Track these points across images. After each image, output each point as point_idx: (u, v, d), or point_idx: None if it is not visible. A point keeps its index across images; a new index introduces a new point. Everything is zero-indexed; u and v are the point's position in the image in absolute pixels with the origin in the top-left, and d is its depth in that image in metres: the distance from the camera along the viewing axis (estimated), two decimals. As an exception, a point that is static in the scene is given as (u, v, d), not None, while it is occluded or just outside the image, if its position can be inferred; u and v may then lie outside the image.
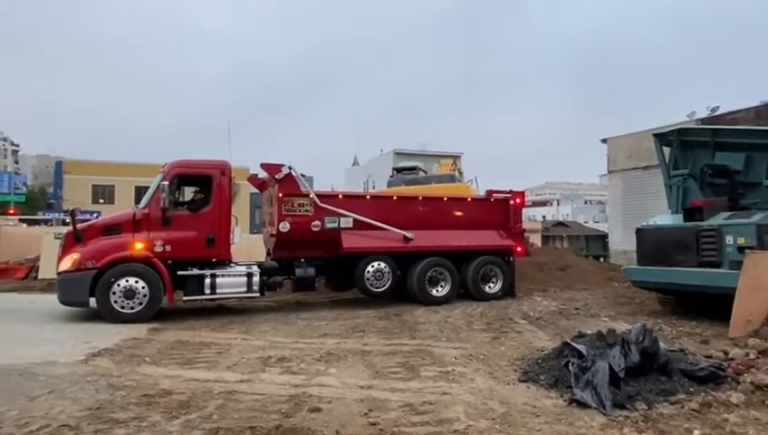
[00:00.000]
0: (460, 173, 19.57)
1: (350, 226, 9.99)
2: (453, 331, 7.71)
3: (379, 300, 10.45)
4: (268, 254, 10.62)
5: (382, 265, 10.04)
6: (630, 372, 4.55)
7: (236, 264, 9.51)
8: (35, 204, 49.71)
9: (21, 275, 14.62)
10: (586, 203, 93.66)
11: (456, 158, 20.55)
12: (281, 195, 9.61)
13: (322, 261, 10.01)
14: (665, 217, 9.60)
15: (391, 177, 20.31)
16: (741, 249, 7.62)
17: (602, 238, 24.90)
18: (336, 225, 9.90)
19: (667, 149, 10.09)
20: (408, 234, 10.29)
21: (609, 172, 22.30)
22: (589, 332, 5.88)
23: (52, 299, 9.06)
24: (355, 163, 58.90)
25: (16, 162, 79.12)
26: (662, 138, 10.14)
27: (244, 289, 9.20)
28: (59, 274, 8.61)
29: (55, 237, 12.81)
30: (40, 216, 36.71)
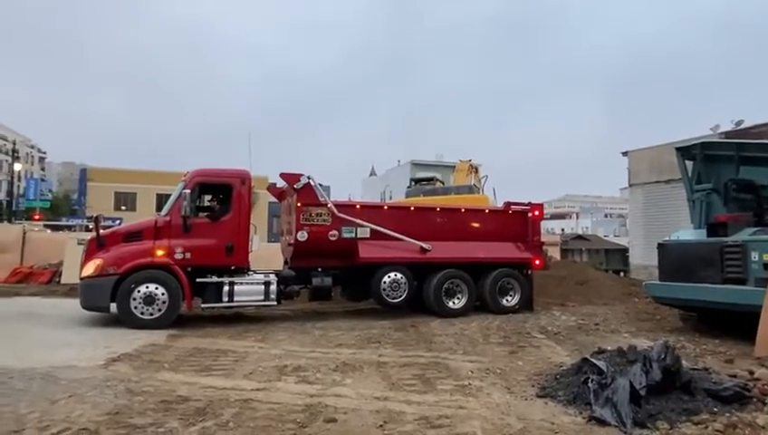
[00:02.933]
0: (479, 181, 19.41)
1: (367, 236, 10.01)
2: (469, 344, 7.65)
3: (394, 311, 10.42)
4: (285, 263, 10.68)
5: (399, 275, 10.03)
6: (652, 391, 4.46)
7: (254, 272, 9.60)
8: (60, 210, 50.93)
9: (45, 280, 14.94)
10: (606, 216, 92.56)
11: (471, 163, 20.29)
12: (299, 204, 9.69)
13: (339, 271, 10.04)
14: (688, 232, 9.42)
15: (409, 187, 20.32)
16: (766, 266, 7.44)
17: (623, 252, 24.55)
18: (353, 235, 9.93)
19: (689, 163, 9.93)
20: (426, 245, 10.27)
21: (631, 185, 22.02)
22: (609, 348, 5.81)
23: (74, 304, 9.25)
24: (372, 174, 59.15)
25: (43, 169, 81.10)
26: (685, 152, 9.99)
27: (262, 297, 9.27)
28: (82, 279, 8.78)
29: (78, 243, 13.09)
30: (64, 222, 37.58)
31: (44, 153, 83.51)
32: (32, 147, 76.69)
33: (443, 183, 20.76)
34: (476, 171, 19.96)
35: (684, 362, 4.95)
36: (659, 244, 9.29)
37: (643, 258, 19.22)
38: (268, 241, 20.74)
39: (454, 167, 21.36)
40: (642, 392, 4.39)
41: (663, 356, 4.70)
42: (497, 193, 17.19)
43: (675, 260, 8.85)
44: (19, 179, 52.08)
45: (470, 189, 17.16)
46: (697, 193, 9.57)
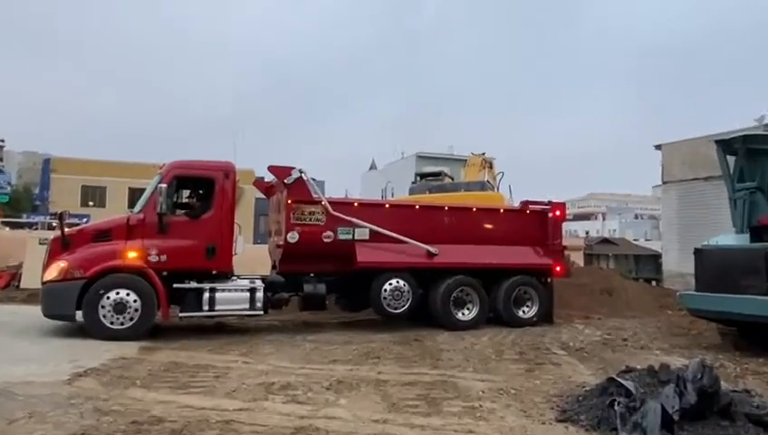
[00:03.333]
0: (494, 177, 19.38)
1: (366, 237, 10.02)
2: (480, 360, 7.66)
3: (396, 323, 10.43)
4: (274, 267, 10.70)
5: (401, 283, 10.04)
6: (686, 415, 4.46)
7: (238, 277, 9.62)
8: (20, 205, 50.90)
9: (2, 284, 14.94)
10: (636, 218, 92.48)
11: (485, 157, 20.22)
12: (290, 201, 9.70)
13: (334, 277, 10.05)
14: (728, 237, 9.41)
15: (414, 183, 20.32)
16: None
17: (655, 259, 24.52)
18: (350, 236, 9.94)
19: (731, 158, 9.90)
20: (432, 248, 10.28)
21: (664, 183, 22.02)
22: (638, 366, 5.81)
23: (35, 311, 9.25)
24: (372, 167, 59.12)
25: (0, 159, 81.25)
26: (726, 145, 9.96)
27: (246, 306, 9.28)
28: (44, 283, 8.79)
29: (40, 243, 13.07)
30: (24, 218, 37.61)
31: (2, 141, 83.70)
32: (-12, 134, 76.85)
33: (452, 179, 20.76)
34: (491, 166, 19.95)
35: (722, 384, 4.94)
36: (696, 249, 9.28)
37: (678, 265, 19.21)
38: (254, 242, 20.80)
39: (465, 161, 21.33)
40: (675, 417, 4.39)
41: (699, 376, 4.70)
42: (514, 190, 17.18)
43: (714, 268, 8.82)
44: (-26, 171, 52.08)
45: (482, 186, 17.16)
46: (740, 192, 9.54)
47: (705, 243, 9.37)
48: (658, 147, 22.24)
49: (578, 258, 22.55)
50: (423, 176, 21.26)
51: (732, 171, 9.81)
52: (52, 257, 8.87)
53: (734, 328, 9.17)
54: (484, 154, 20.45)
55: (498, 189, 18.35)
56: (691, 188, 20.13)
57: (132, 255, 8.79)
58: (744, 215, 9.39)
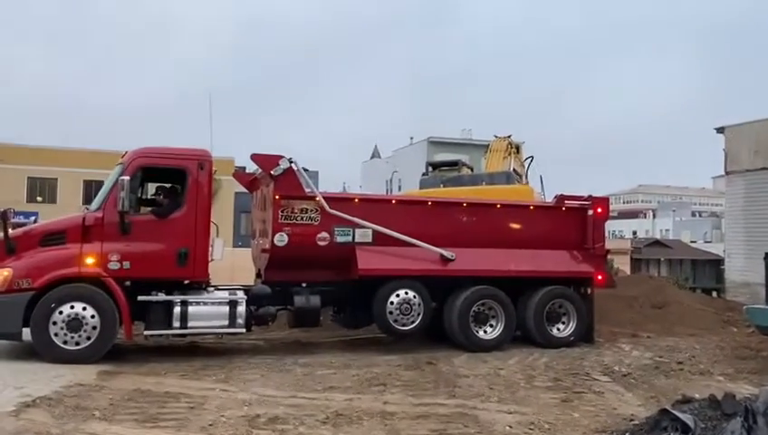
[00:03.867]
0: (521, 165, 19.35)
1: (369, 240, 10.05)
2: (507, 388, 7.66)
3: (405, 342, 10.45)
4: (258, 275, 10.74)
5: (411, 294, 10.06)
6: (756, 455, 4.45)
7: (216, 288, 9.65)
8: (-46, 201, 51.29)
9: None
10: (694, 215, 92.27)
11: (510, 141, 20.10)
12: (277, 197, 9.73)
13: (330, 287, 10.08)
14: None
15: (425, 174, 20.34)
16: None
17: (716, 265, 24.56)
18: (349, 238, 9.97)
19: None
20: (447, 253, 10.29)
21: (728, 174, 21.95)
22: (697, 396, 5.80)
23: (-27, 329, 9.29)
24: (375, 155, 59.31)
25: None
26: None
27: (226, 323, 9.30)
28: (-16, 295, 8.84)
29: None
30: (-40, 217, 37.81)
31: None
32: None
33: (471, 169, 20.77)
34: (517, 151, 19.90)
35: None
36: (767, 254, 9.26)
37: (744, 273, 19.15)
38: (234, 246, 20.85)
39: (486, 146, 21.31)
40: (742, 457, 4.38)
41: (771, 408, 4.69)
42: (546, 183, 17.15)
43: (788, 277, 8.81)
44: None
45: (507, 177, 17.13)
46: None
47: (778, 246, 9.34)
48: (721, 130, 22.14)
49: (623, 264, 22.60)
50: (436, 166, 21.27)
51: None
52: (-7, 264, 8.92)
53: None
54: (509, 137, 20.40)
55: (526, 179, 18.33)
56: (761, 180, 20.04)
57: (89, 261, 8.83)
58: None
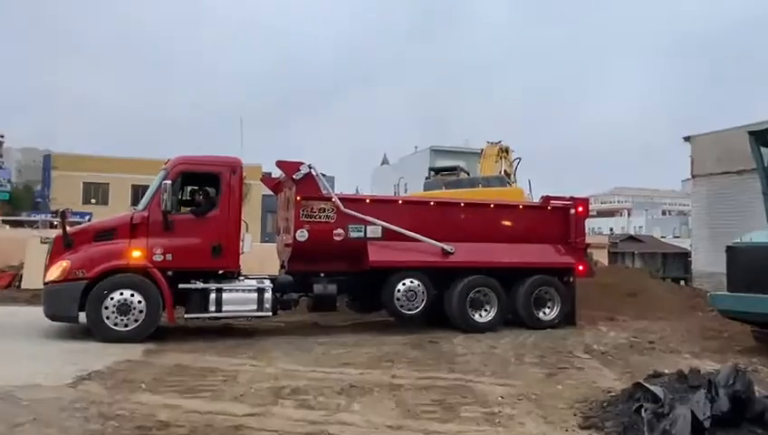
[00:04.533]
0: (510, 165, 19.26)
1: (379, 236, 10.04)
2: (499, 364, 7.66)
3: (410, 325, 10.45)
4: (282, 266, 10.76)
5: (415, 283, 10.05)
6: (718, 422, 4.42)
7: (246, 277, 9.68)
8: (20, 203, 51.58)
9: (3, 285, 15.19)
10: (664, 214, 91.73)
11: (501, 146, 20.00)
12: (299, 198, 9.75)
13: (345, 276, 10.08)
14: (763, 233, 9.29)
15: (428, 178, 20.32)
16: None
17: (683, 257, 24.32)
18: (362, 234, 9.97)
19: (766, 151, 9.80)
20: (448, 247, 10.27)
21: (694, 177, 21.79)
22: (666, 371, 5.78)
23: (37, 312, 9.38)
24: (384, 162, 59.21)
25: (0, 156, 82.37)
26: (759, 136, 9.85)
27: (255, 307, 9.34)
28: (46, 284, 8.91)
29: (42, 242, 13.25)
30: (25, 217, 38.12)
31: (2, 137, 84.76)
32: (-13, 129, 77.93)
33: (468, 173, 20.74)
34: (507, 153, 19.84)
35: (757, 389, 4.89)
36: (728, 247, 9.19)
37: (708, 264, 19.00)
38: (261, 241, 20.91)
39: (480, 152, 21.25)
40: (706, 424, 4.36)
41: (732, 381, 4.66)
42: (534, 185, 17.10)
43: (747, 267, 8.74)
44: (-27, 167, 52.83)
45: (501, 181, 17.13)
46: (775, 186, 9.44)
47: (738, 240, 9.27)
48: (688, 139, 21.98)
49: (602, 257, 22.41)
50: (437, 171, 21.28)
51: (766, 164, 9.70)
52: (54, 257, 8.98)
53: (770, 331, 9.08)
54: (500, 142, 20.31)
55: (515, 177, 18.29)
56: (722, 183, 19.90)
57: (136, 254, 8.88)
58: (779, 210, 9.29)
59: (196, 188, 9.99)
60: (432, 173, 21.24)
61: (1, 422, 4.79)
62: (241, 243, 9.59)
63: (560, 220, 11.29)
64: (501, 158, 19.44)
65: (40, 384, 5.99)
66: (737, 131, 16.93)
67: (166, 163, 9.63)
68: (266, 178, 11.92)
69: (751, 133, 10.07)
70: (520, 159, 19.53)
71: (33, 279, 13.32)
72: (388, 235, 10.09)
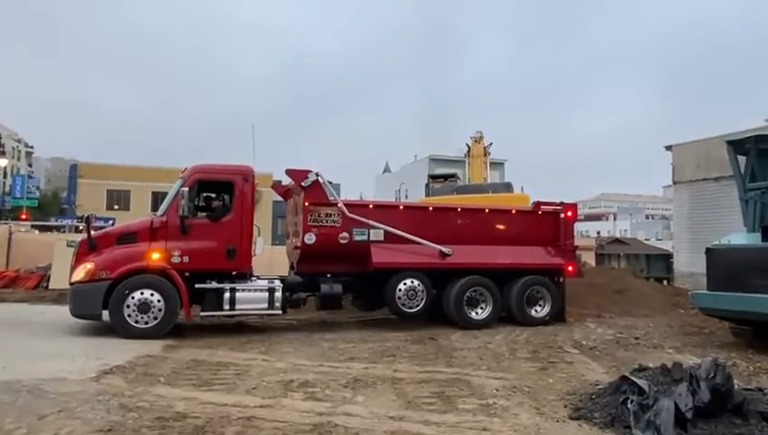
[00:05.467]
0: (485, 155, 19.27)
1: (381, 239, 10.03)
2: (494, 359, 7.63)
3: (411, 322, 10.41)
4: (291, 267, 10.74)
5: (416, 282, 10.02)
6: (699, 413, 4.40)
7: (258, 278, 9.67)
8: (48, 209, 51.80)
9: (32, 285, 15.20)
10: (647, 218, 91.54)
11: (483, 141, 19.93)
12: (306, 204, 9.74)
13: (350, 277, 10.06)
14: (740, 236, 9.28)
15: (427, 185, 20.30)
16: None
17: (666, 258, 24.29)
18: (365, 237, 9.95)
19: (742, 159, 9.78)
20: (446, 249, 10.25)
21: (675, 183, 21.73)
22: (651, 365, 5.75)
23: (63, 311, 9.39)
24: (386, 170, 59.19)
25: (30, 165, 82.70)
26: (737, 145, 9.84)
27: (266, 305, 9.33)
28: (71, 284, 8.91)
29: (68, 245, 13.30)
30: (52, 222, 38.22)
31: (32, 148, 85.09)
32: (18, 141, 78.26)
33: (459, 180, 20.73)
34: (483, 145, 19.89)
35: (735, 382, 4.87)
36: (708, 249, 9.16)
37: (689, 265, 18.94)
38: (272, 244, 20.88)
39: (467, 151, 21.17)
40: (688, 415, 4.33)
41: (712, 375, 4.64)
42: (526, 191, 17.05)
43: (725, 267, 8.71)
44: (5, 176, 53.15)
45: (507, 187, 16.98)
46: (751, 192, 9.42)
47: (717, 242, 9.25)
48: (669, 147, 21.95)
49: (589, 258, 22.40)
50: (435, 178, 21.26)
51: (743, 171, 9.69)
52: (79, 259, 9.00)
53: (747, 327, 9.05)
54: (482, 139, 20.09)
55: (489, 155, 18.42)
56: (702, 189, 19.85)
57: (156, 256, 8.88)
58: (754, 214, 9.28)
59: (212, 194, 9.99)
60: (429, 180, 21.24)
61: (29, 414, 4.78)
62: (253, 246, 9.59)
63: (550, 224, 11.26)
64: (486, 155, 19.33)
65: (65, 378, 5.99)
66: (715, 141, 16.93)
67: (183, 172, 9.64)
68: (277, 186, 11.90)
69: (728, 142, 10.06)
70: (492, 143, 19.55)
71: (59, 280, 13.31)
72: (390, 238, 10.07)
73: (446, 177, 20.95)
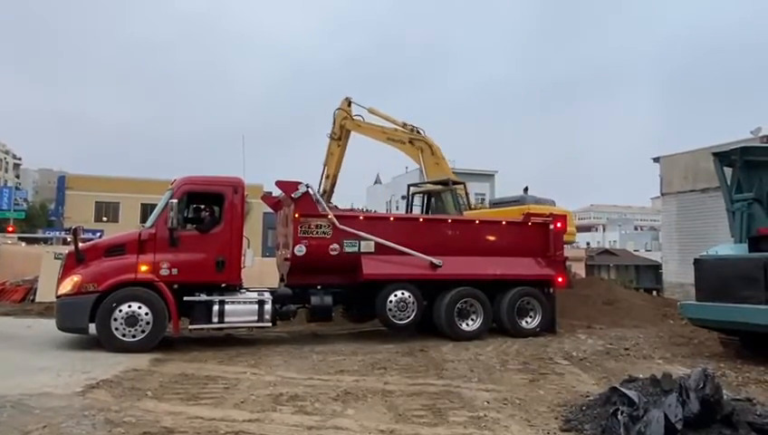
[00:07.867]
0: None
1: (372, 250, 10.01)
2: (485, 371, 7.61)
3: (402, 334, 10.38)
4: (282, 279, 10.69)
5: (406, 294, 10.00)
6: (689, 424, 4.41)
7: (247, 290, 9.61)
8: (35, 221, 51.30)
9: (18, 298, 15.01)
10: (636, 229, 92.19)
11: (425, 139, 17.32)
12: (297, 215, 9.72)
13: (340, 289, 10.03)
14: (727, 247, 9.36)
15: (403, 197, 20.06)
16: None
17: (655, 269, 24.51)
18: (356, 249, 9.93)
19: (728, 170, 9.89)
20: (436, 260, 10.25)
21: (663, 195, 21.99)
22: (640, 376, 5.75)
23: (50, 324, 9.28)
24: (377, 182, 59.30)
25: (17, 176, 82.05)
26: (723, 157, 9.95)
27: (255, 318, 9.26)
28: (58, 297, 8.81)
29: (55, 257, 13.17)
30: (40, 234, 37.84)
31: (19, 159, 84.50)
32: (6, 152, 77.71)
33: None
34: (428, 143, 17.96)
35: (725, 392, 4.88)
36: (696, 260, 9.23)
37: (678, 275, 19.10)
38: (263, 256, 20.81)
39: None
40: (678, 426, 4.34)
41: (701, 385, 4.64)
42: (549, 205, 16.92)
43: (713, 278, 8.77)
44: (-8, 187, 52.59)
45: (536, 200, 16.54)
46: (737, 203, 9.51)
47: (705, 253, 9.32)
48: (657, 159, 22.25)
49: (579, 269, 22.53)
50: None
51: (729, 183, 9.80)
52: (66, 272, 8.90)
53: (736, 337, 9.10)
54: (409, 125, 17.95)
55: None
56: (689, 200, 20.09)
57: (144, 268, 8.81)
58: (741, 225, 9.36)
59: (201, 206, 9.95)
60: (413, 188, 21.12)
61: (13, 430, 4.70)
62: (243, 257, 9.54)
63: (540, 235, 11.30)
64: (439, 156, 17.75)
65: (51, 393, 5.90)
66: (702, 153, 17.15)
67: (172, 183, 9.60)
68: (267, 197, 11.87)
69: (715, 155, 10.17)
70: (423, 130, 17.67)
71: (46, 293, 13.16)
72: (380, 249, 10.06)
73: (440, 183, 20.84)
